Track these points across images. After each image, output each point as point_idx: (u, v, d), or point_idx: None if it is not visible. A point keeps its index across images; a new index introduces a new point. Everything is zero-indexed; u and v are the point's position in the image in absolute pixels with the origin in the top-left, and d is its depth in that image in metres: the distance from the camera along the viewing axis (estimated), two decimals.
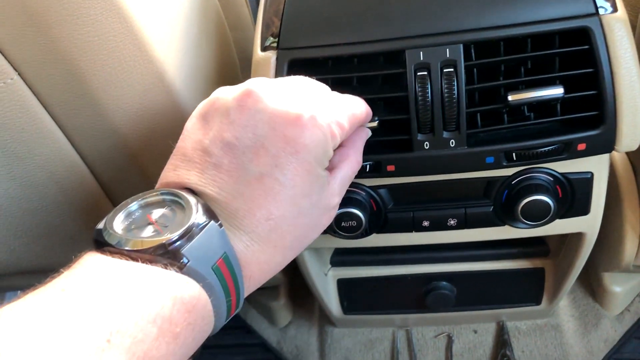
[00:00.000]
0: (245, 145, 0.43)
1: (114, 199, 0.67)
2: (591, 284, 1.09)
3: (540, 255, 0.92)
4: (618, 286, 1.03)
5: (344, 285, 0.98)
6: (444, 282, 0.96)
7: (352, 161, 0.53)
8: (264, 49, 0.64)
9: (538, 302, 0.98)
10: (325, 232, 0.75)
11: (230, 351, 1.15)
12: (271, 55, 0.63)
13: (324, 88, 0.52)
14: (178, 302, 0.36)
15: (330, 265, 0.96)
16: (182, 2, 0.64)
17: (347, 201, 0.71)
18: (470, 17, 0.60)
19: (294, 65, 0.63)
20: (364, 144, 0.57)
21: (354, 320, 1.06)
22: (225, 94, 0.46)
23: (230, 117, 0.44)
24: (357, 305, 1.02)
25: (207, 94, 0.68)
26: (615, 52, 0.59)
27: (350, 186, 0.71)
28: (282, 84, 0.48)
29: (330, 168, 0.50)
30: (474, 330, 1.07)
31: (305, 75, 0.65)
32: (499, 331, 1.06)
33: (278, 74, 0.63)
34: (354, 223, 0.71)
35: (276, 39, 0.63)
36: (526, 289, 0.97)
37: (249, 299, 1.19)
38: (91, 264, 0.36)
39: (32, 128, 0.56)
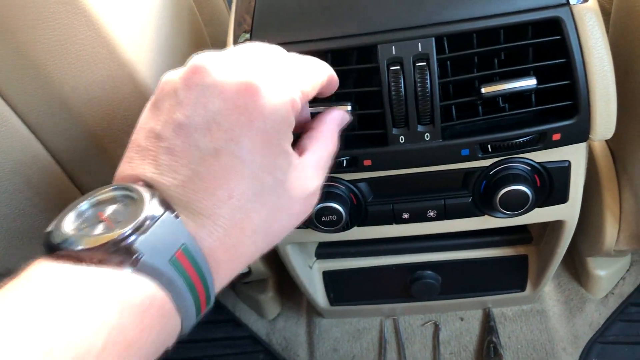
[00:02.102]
0: (197, 123, 0.40)
1: None
2: (576, 268, 1.10)
3: (523, 243, 0.92)
4: (602, 270, 1.04)
5: (329, 277, 0.98)
6: (429, 271, 0.96)
7: (326, 142, 0.50)
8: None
9: (522, 289, 0.99)
10: (306, 226, 0.76)
11: (219, 344, 1.16)
12: None
13: (278, 51, 0.48)
14: (127, 306, 0.34)
15: (315, 258, 0.97)
16: (152, 1, 0.64)
17: (326, 195, 0.71)
18: (442, 10, 0.60)
19: None
20: (339, 125, 0.54)
21: (342, 311, 1.06)
22: (172, 75, 0.43)
23: (178, 97, 0.41)
24: (344, 296, 1.02)
25: None
26: (586, 41, 0.59)
27: (329, 180, 0.72)
28: (230, 53, 0.44)
29: (301, 150, 0.47)
30: (460, 318, 1.08)
31: None
32: (485, 318, 1.07)
33: None
34: (334, 217, 0.71)
35: (248, 36, 0.63)
36: (510, 276, 0.97)
37: (237, 292, 1.19)
38: (34, 273, 0.34)
39: (5, 133, 0.55)
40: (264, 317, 1.16)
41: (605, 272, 1.04)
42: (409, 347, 1.06)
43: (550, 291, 1.09)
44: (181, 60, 0.70)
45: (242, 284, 1.12)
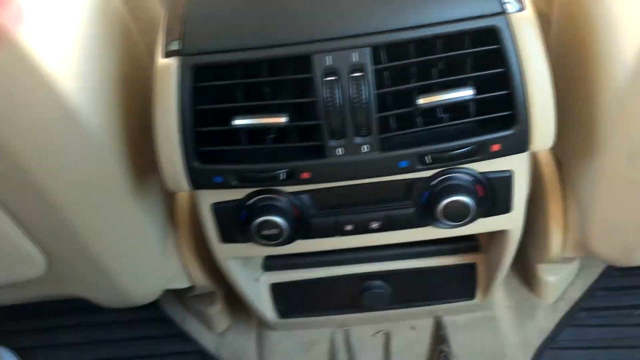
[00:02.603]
0: None
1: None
2: (526, 274, 1.10)
3: (471, 251, 0.92)
4: (551, 275, 1.04)
5: (278, 290, 0.96)
6: (378, 281, 0.95)
7: None
8: (167, 54, 0.61)
9: (472, 297, 0.98)
10: (247, 240, 0.74)
11: None
12: (174, 61, 0.60)
13: None
14: None
15: (262, 270, 0.94)
16: (76, 17, 0.61)
17: (267, 208, 0.69)
18: (377, 19, 0.59)
19: (199, 71, 0.60)
20: None
21: (292, 324, 1.04)
22: None
23: None
24: (294, 309, 1.00)
25: (113, 106, 0.65)
26: (524, 50, 0.58)
27: (270, 193, 0.69)
28: None
29: None
30: (411, 327, 1.06)
31: (217, 83, 0.63)
32: (436, 326, 1.05)
33: (182, 81, 0.60)
34: (275, 231, 0.69)
35: (179, 44, 0.60)
36: (460, 284, 0.97)
37: (185, 305, 1.16)
38: None
39: None
40: (213, 330, 1.13)
41: (555, 277, 1.04)
42: (360, 358, 1.04)
43: (501, 297, 1.08)
44: (112, 72, 0.67)
45: (190, 297, 1.09)
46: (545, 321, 1.06)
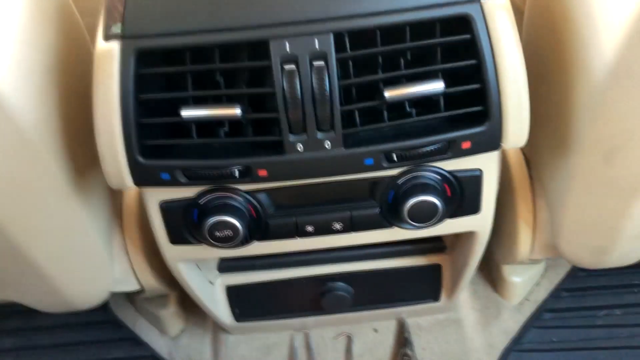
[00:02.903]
0: None
1: None
2: (491, 275, 1.07)
3: (437, 252, 0.88)
4: (517, 276, 1.02)
5: (234, 292, 0.90)
6: (340, 283, 0.90)
7: None
8: (107, 38, 0.55)
9: (437, 299, 0.94)
10: (199, 242, 0.68)
11: None
12: (114, 45, 0.54)
13: None
14: None
15: (217, 272, 0.89)
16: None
17: (220, 208, 0.63)
18: (341, 3, 0.54)
19: (143, 56, 0.55)
20: None
21: (249, 327, 0.99)
22: None
23: None
24: (251, 312, 0.95)
25: (49, 95, 0.59)
26: (498, 42, 0.54)
27: (224, 191, 0.64)
28: None
29: None
30: (374, 329, 1.03)
31: (162, 70, 0.57)
32: (399, 329, 1.02)
33: (124, 68, 0.54)
34: (229, 233, 0.64)
35: (120, 27, 0.54)
36: (424, 286, 0.93)
37: (137, 307, 1.09)
38: None
39: None
40: (165, 334, 1.07)
41: (521, 278, 1.02)
42: None
43: (465, 299, 1.05)
44: (48, 57, 0.60)
45: (141, 299, 1.03)
46: (510, 323, 1.04)
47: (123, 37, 0.54)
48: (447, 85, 0.56)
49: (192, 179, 0.58)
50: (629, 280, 1.07)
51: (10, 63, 0.52)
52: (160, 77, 0.58)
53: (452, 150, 0.58)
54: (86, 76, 0.58)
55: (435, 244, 0.88)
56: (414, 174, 0.63)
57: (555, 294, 1.06)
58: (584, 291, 1.07)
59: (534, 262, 0.91)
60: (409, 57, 0.58)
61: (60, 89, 0.61)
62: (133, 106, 0.55)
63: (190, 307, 1.07)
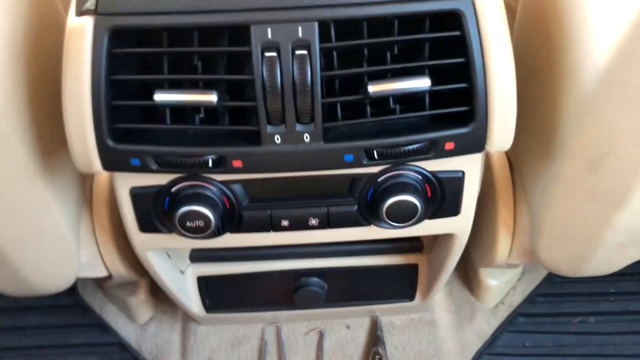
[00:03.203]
0: None
1: None
2: (468, 276, 1.06)
3: (414, 251, 0.87)
4: (494, 279, 1.01)
5: (205, 283, 0.88)
6: (314, 278, 0.89)
7: None
8: (80, 13, 0.52)
9: (411, 298, 0.93)
10: (170, 231, 0.66)
11: (82, 351, 1.03)
12: (87, 21, 0.51)
13: None
14: None
15: (189, 262, 0.86)
16: None
17: (192, 197, 0.61)
18: None
19: (117, 35, 0.52)
20: None
21: (220, 318, 0.97)
22: None
23: None
24: (221, 303, 0.93)
25: (16, 69, 0.56)
26: (488, 40, 0.52)
27: (197, 180, 0.61)
28: None
29: None
30: (346, 326, 1.01)
31: (135, 50, 0.54)
32: (372, 326, 1.01)
33: (96, 46, 0.51)
34: (201, 223, 0.61)
35: (95, 2, 0.51)
36: (399, 285, 0.92)
37: (105, 292, 1.07)
38: None
39: None
40: (134, 321, 1.05)
41: (497, 281, 1.01)
42: (290, 356, 0.99)
43: (441, 300, 1.04)
44: (19, 26, 0.57)
45: (110, 284, 1.00)
46: (484, 325, 1.03)
47: (96, 13, 0.51)
48: (434, 82, 0.54)
49: (164, 166, 0.56)
50: (605, 289, 1.07)
51: None
52: (135, 58, 0.55)
53: (434, 150, 0.56)
54: (58, 52, 0.55)
55: (413, 244, 0.86)
56: (395, 172, 0.61)
57: (530, 299, 1.06)
58: (560, 297, 1.06)
59: (511, 266, 0.90)
60: (395, 51, 0.56)
61: (28, 64, 0.58)
62: (104, 87, 0.52)
63: (160, 294, 1.04)
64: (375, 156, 0.56)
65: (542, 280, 1.07)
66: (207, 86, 0.55)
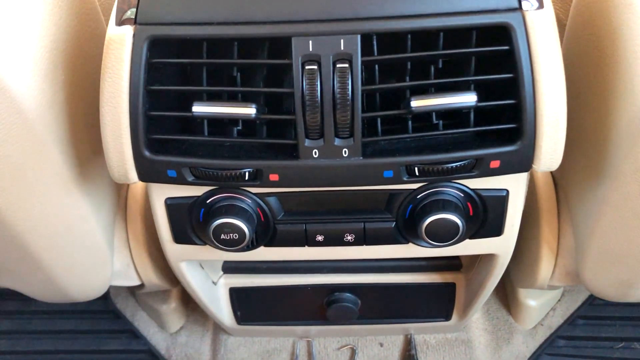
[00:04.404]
0: None
1: None
2: (506, 295, 1.02)
3: (452, 270, 0.84)
4: (533, 300, 0.97)
5: (237, 295, 0.87)
6: (347, 294, 0.87)
7: None
8: (120, 23, 0.51)
9: (448, 318, 0.90)
10: (204, 242, 0.65)
11: (112, 357, 1.04)
12: (127, 31, 0.51)
13: None
14: None
15: (222, 272, 0.85)
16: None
17: (228, 210, 0.60)
18: (372, 2, 0.50)
19: (156, 45, 0.51)
20: None
21: (251, 330, 0.96)
22: None
23: None
24: (253, 316, 0.91)
25: (56, 79, 0.56)
26: (538, 55, 0.50)
27: (232, 192, 0.61)
28: None
29: None
30: (379, 343, 0.99)
31: (174, 60, 0.54)
32: (406, 345, 0.98)
33: (135, 55, 0.51)
34: (235, 236, 0.60)
35: (134, 11, 0.51)
36: (436, 304, 0.89)
37: (137, 300, 1.07)
38: None
39: None
40: (165, 329, 1.04)
41: (536, 302, 0.98)
42: None
43: (477, 319, 1.01)
44: (60, 36, 0.57)
45: (142, 292, 1.00)
46: (521, 347, 1.00)
47: (136, 22, 0.51)
48: (478, 98, 0.51)
49: (200, 178, 0.55)
50: None
51: (14, 42, 0.49)
52: (174, 68, 0.55)
53: (479, 168, 0.54)
54: (97, 61, 0.55)
55: (451, 262, 0.83)
56: (435, 189, 0.59)
57: (570, 321, 1.02)
58: (601, 320, 1.02)
59: (552, 287, 0.87)
60: (440, 65, 0.54)
61: (68, 71, 0.58)
62: (142, 97, 0.52)
63: (191, 303, 1.04)
64: (416, 173, 0.54)
65: (583, 302, 1.03)
66: (245, 98, 0.54)
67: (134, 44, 0.51)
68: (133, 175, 0.55)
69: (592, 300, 1.03)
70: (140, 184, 0.77)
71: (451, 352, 0.97)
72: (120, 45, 0.51)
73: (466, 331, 0.99)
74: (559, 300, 1.03)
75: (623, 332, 1.01)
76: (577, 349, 1.00)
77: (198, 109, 0.52)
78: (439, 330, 0.97)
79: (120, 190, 0.77)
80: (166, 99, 0.54)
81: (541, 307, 1.00)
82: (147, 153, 0.53)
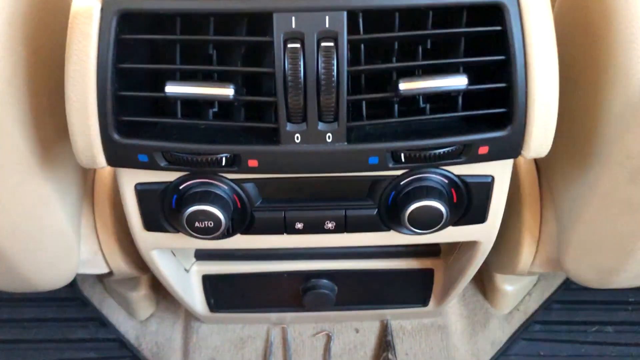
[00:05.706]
0: None
1: None
2: (482, 281, 1.02)
3: (430, 256, 0.83)
4: (509, 285, 0.97)
5: (210, 282, 0.84)
6: (324, 280, 0.85)
7: None
8: None
9: (425, 304, 0.89)
10: (177, 230, 0.62)
11: (79, 346, 1.00)
12: (94, 3, 0.47)
13: None
14: None
15: (194, 259, 0.82)
16: None
17: (202, 196, 0.57)
18: None
19: (126, 20, 0.47)
20: None
21: (224, 318, 0.93)
22: None
23: None
24: (226, 303, 0.89)
25: (16, 54, 0.51)
26: (532, 37, 0.48)
27: (207, 178, 0.57)
28: None
29: None
30: (355, 329, 0.97)
31: (146, 36, 0.50)
32: (382, 331, 0.97)
33: (103, 31, 0.47)
34: (210, 224, 0.57)
35: None
36: (413, 290, 0.88)
37: (105, 286, 1.03)
38: None
39: None
40: (134, 317, 1.01)
41: (513, 287, 0.97)
42: (296, 359, 0.95)
43: (453, 304, 1.00)
44: (20, 7, 0.53)
45: (110, 279, 0.96)
46: (498, 332, 0.99)
47: None
48: (469, 82, 0.49)
49: (173, 163, 0.52)
50: (623, 297, 1.03)
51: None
52: (145, 45, 0.51)
53: (467, 154, 0.52)
54: (61, 36, 0.51)
55: (430, 248, 0.82)
56: (419, 175, 0.57)
57: (546, 306, 1.02)
58: (577, 305, 1.03)
59: (531, 274, 0.86)
60: (428, 46, 0.51)
61: (29, 47, 0.53)
62: (111, 75, 0.48)
63: (161, 290, 1.01)
64: (402, 159, 0.51)
65: (558, 287, 1.04)
66: (221, 78, 0.51)
67: (102, 18, 0.47)
68: (101, 159, 0.51)
69: (567, 285, 1.04)
70: (108, 169, 0.73)
71: (427, 337, 0.96)
72: (86, 20, 0.47)
73: (442, 317, 0.98)
74: (535, 285, 1.03)
75: (596, 316, 1.01)
76: (553, 333, 1.00)
77: (171, 89, 0.48)
78: (415, 316, 0.96)
79: (87, 175, 0.73)
80: (137, 78, 0.51)
81: (517, 292, 0.99)
82: (116, 136, 0.50)
